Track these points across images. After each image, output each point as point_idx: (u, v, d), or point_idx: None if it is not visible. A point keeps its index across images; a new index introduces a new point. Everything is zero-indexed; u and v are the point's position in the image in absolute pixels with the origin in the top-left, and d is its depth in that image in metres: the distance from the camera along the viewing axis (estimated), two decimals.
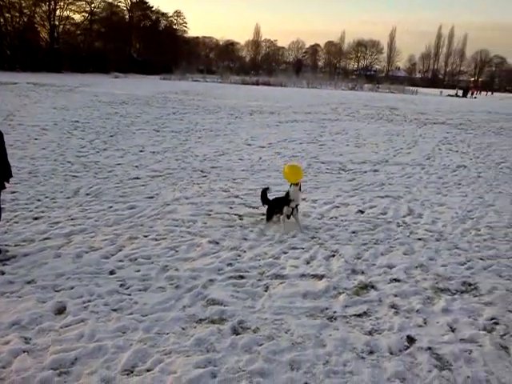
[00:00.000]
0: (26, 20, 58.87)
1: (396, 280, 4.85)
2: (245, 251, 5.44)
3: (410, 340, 3.77)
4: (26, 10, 58.76)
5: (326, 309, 4.21)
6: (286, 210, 6.21)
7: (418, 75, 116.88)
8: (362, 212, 7.17)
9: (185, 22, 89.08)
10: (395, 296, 4.49)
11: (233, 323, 3.90)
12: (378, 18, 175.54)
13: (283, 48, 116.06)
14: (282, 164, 10.51)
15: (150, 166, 9.57)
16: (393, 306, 4.29)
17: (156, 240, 5.63)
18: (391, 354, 3.59)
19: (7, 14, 56.49)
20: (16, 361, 3.27)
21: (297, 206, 6.24)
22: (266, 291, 4.49)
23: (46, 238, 5.48)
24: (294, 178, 6.21)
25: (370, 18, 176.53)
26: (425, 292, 4.60)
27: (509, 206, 7.89)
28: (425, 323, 4.03)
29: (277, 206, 6.34)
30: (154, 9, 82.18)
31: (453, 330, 3.93)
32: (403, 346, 3.69)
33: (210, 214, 6.70)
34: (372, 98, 41.89)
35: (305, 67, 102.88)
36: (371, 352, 3.60)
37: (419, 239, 6.08)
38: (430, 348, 3.67)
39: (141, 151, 11.16)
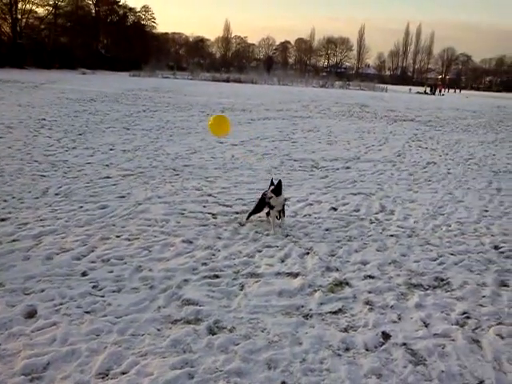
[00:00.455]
0: None
1: (370, 276, 4.90)
2: (219, 250, 5.40)
3: (385, 336, 3.82)
4: None
5: (302, 306, 4.22)
6: (271, 213, 6.09)
7: (388, 72, 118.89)
8: (335, 209, 7.23)
9: (153, 18, 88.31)
10: (369, 292, 4.53)
11: (208, 323, 3.86)
12: (347, 15, 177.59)
13: (253, 45, 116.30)
14: (254, 162, 10.52)
15: (120, 165, 9.41)
16: (367, 303, 4.34)
17: (129, 240, 5.53)
18: (367, 350, 3.63)
19: None
20: None
21: (281, 210, 6.12)
22: (241, 290, 4.47)
23: (13, 240, 5.31)
24: (219, 129, 5.74)
25: (339, 15, 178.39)
26: (398, 288, 4.67)
27: (477, 201, 8.10)
28: (399, 319, 4.09)
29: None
30: (120, 3, 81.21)
31: (426, 326, 3.99)
32: (378, 342, 3.73)
33: (183, 213, 6.64)
34: (343, 95, 42.37)
35: (275, 64, 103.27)
36: (347, 349, 3.63)
37: (392, 236, 6.16)
38: (404, 344, 3.72)
39: (111, 149, 10.96)
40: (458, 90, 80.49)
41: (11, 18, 59.26)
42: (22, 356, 3.31)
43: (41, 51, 58.84)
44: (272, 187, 5.92)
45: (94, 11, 77.82)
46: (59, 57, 61.12)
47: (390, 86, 68.85)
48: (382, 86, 67.40)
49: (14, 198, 6.90)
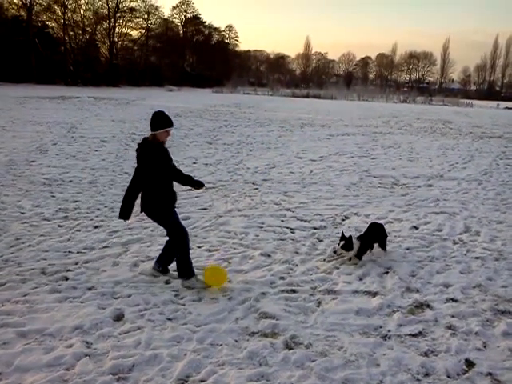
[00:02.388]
0: (88, 37, 61.99)
1: (453, 300, 4.70)
2: (297, 265, 5.44)
3: (469, 364, 3.64)
4: (88, 28, 62.09)
5: (380, 327, 4.14)
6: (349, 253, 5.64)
7: (473, 87, 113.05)
8: (416, 228, 7.01)
9: (236, 36, 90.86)
10: (452, 317, 4.35)
11: (285, 338, 3.90)
12: (430, 29, 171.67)
13: (333, 61, 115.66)
14: (333, 177, 10.46)
15: (203, 178, 9.70)
16: (450, 327, 4.16)
17: (209, 251, 5.74)
18: (448, 377, 3.48)
19: (71, 32, 59.86)
20: (78, 364, 3.42)
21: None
22: (318, 306, 4.47)
23: (105, 247, 5.72)
24: (216, 281, 4.87)
25: (423, 29, 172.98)
26: (484, 313, 4.43)
27: None
28: (484, 347, 3.88)
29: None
30: (206, 24, 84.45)
31: None
32: (461, 370, 3.56)
33: (261, 227, 6.76)
34: (425, 110, 40.92)
35: (355, 80, 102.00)
36: (427, 374, 3.51)
37: (477, 258, 5.86)
38: (490, 373, 3.52)
39: (194, 163, 11.43)
40: None
41: (109, 41, 64.06)
42: (110, 356, 3.54)
43: (133, 70, 62.82)
44: (342, 243, 5.51)
45: (181, 32, 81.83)
46: (149, 75, 64.86)
47: (475, 101, 65.45)
48: (466, 101, 64.26)
49: (106, 207, 7.41)
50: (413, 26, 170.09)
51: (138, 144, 4.67)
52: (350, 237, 5.54)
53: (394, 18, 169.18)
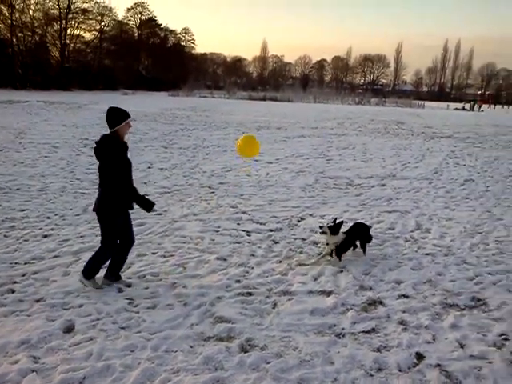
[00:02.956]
0: (37, 39, 59.90)
1: (404, 296, 4.83)
2: (253, 268, 5.45)
3: (419, 357, 3.75)
4: (38, 30, 59.84)
5: (334, 325, 4.20)
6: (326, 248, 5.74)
7: (425, 89, 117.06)
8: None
9: (193, 39, 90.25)
10: (404, 312, 4.46)
11: (241, 341, 3.89)
12: (384, 32, 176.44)
13: (290, 63, 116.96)
14: (289, 179, 10.56)
15: (158, 183, 9.65)
16: (401, 323, 4.27)
17: (164, 257, 5.66)
18: (400, 371, 3.57)
19: (20, 34, 57.59)
20: (24, 381, 3.29)
21: (334, 251, 5.66)
22: (274, 308, 4.49)
23: (55, 256, 5.54)
24: (249, 151, 5.29)
25: (377, 33, 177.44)
26: (433, 308, 4.57)
27: None
28: (434, 339, 4.00)
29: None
30: (162, 26, 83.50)
31: (462, 347, 3.89)
32: (412, 363, 3.66)
33: (217, 231, 6.73)
34: (379, 112, 41.97)
35: (311, 82, 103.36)
36: (380, 369, 3.58)
37: (427, 254, 6.05)
38: (439, 365, 3.64)
39: (149, 168, 11.26)
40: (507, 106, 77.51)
41: (60, 43, 62.07)
42: (59, 370, 3.42)
43: (86, 74, 61.15)
44: (331, 224, 5.63)
45: (136, 34, 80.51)
46: (103, 78, 63.40)
47: (427, 103, 67.69)
48: (418, 102, 66.38)
49: (56, 215, 7.18)
50: (367, 30, 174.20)
51: (97, 142, 4.50)
52: (341, 222, 5.68)
53: (349, 21, 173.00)
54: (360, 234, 5.94)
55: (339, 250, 5.64)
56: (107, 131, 4.50)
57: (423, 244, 6.45)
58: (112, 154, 4.42)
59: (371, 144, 17.63)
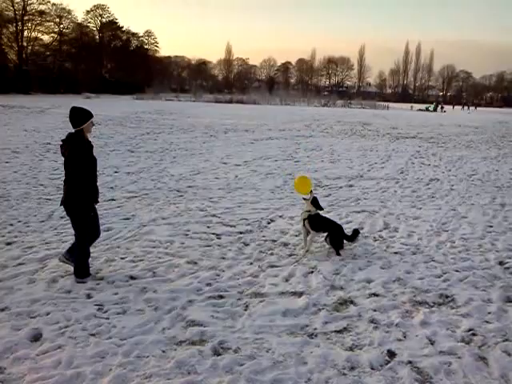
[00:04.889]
0: None
1: (375, 294, 4.89)
2: (223, 270, 5.42)
3: (391, 354, 3.80)
4: None
5: (307, 326, 4.21)
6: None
7: (389, 90, 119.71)
8: None
9: (156, 42, 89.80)
10: (374, 311, 4.52)
11: (213, 344, 3.86)
12: (346, 35, 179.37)
13: (255, 66, 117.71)
14: (258, 181, 10.57)
15: (125, 187, 9.49)
16: (372, 321, 4.32)
17: (133, 262, 5.56)
18: (372, 369, 3.61)
19: None
20: None
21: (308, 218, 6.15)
22: (245, 310, 4.47)
23: (19, 264, 5.36)
24: (303, 189, 6.28)
25: (339, 36, 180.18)
26: (403, 306, 4.65)
27: (481, 217, 8.08)
28: (404, 337, 4.07)
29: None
30: (124, 29, 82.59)
31: (432, 343, 3.97)
32: (384, 361, 3.71)
33: (187, 234, 6.67)
34: (344, 113, 42.65)
35: (277, 85, 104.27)
36: (352, 368, 3.61)
37: (396, 253, 6.16)
38: (410, 362, 3.69)
39: (115, 172, 11.07)
40: (472, 107, 79.65)
41: (17, 45, 60.41)
42: (27, 380, 3.31)
43: (46, 77, 59.80)
44: (315, 198, 6.26)
45: (97, 37, 79.23)
46: (64, 82, 62.12)
47: (391, 104, 69.35)
48: (383, 103, 67.86)
49: (19, 221, 6.96)
50: (330, 33, 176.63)
51: (63, 140, 4.76)
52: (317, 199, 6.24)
53: (311, 23, 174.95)
54: (330, 229, 6.15)
55: (310, 222, 6.10)
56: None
57: (391, 243, 6.56)
58: (77, 152, 4.68)
59: (338, 145, 17.87)
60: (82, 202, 4.78)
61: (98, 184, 5.00)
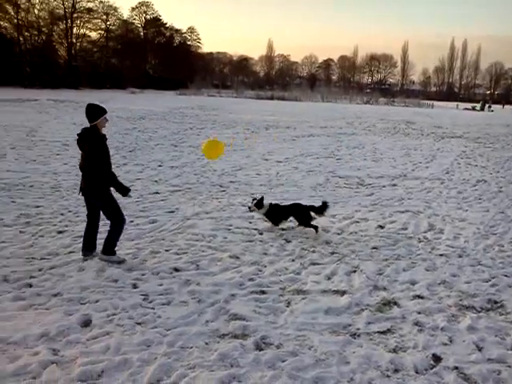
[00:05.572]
0: (44, 38, 60.25)
1: (419, 297, 4.80)
2: (265, 266, 5.45)
3: (436, 358, 3.72)
4: (44, 29, 60.28)
5: (349, 325, 4.19)
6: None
7: (433, 88, 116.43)
8: (382, 227, 7.14)
9: (198, 38, 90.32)
10: (419, 313, 4.44)
11: (255, 339, 3.89)
12: (390, 31, 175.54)
13: (296, 63, 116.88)
14: (299, 178, 10.55)
15: (169, 181, 9.67)
16: (417, 324, 4.25)
17: (177, 254, 5.67)
18: (417, 372, 3.55)
19: (26, 33, 58.01)
20: (45, 372, 3.32)
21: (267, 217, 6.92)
22: (287, 307, 4.49)
23: (70, 252, 5.57)
24: (213, 153, 6.42)
25: (383, 32, 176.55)
26: (449, 309, 4.55)
27: None
28: (450, 341, 3.98)
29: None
30: (167, 25, 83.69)
31: (480, 349, 3.86)
32: (429, 365, 3.64)
33: (229, 229, 6.74)
34: (388, 111, 41.86)
35: (319, 82, 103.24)
36: (396, 370, 3.57)
37: (441, 255, 6.02)
38: (456, 367, 3.61)
39: (160, 166, 11.29)
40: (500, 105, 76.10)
41: (67, 42, 62.50)
42: (78, 363, 3.45)
43: (93, 72, 61.56)
44: (255, 201, 6.87)
45: (142, 34, 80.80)
46: (110, 77, 63.73)
47: (436, 103, 67.40)
48: (427, 102, 66.10)
49: (70, 211, 7.22)
50: (373, 29, 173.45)
51: (79, 134, 5.15)
52: (262, 198, 6.87)
53: (354, 20, 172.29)
54: (294, 212, 6.76)
55: (270, 219, 6.80)
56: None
57: (437, 245, 6.42)
58: (93, 144, 5.05)
59: (381, 144, 17.58)
60: (102, 187, 5.19)
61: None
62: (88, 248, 5.43)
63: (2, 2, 55.40)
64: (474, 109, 60.07)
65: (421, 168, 12.67)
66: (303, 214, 6.69)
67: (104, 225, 5.58)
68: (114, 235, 5.33)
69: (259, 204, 6.80)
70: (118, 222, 5.31)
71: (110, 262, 5.25)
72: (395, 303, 4.64)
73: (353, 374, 3.50)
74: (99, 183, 5.16)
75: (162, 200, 8.16)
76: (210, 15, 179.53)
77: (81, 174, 5.28)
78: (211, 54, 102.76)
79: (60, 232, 6.27)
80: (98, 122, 5.13)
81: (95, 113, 5.14)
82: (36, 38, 59.52)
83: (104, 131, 5.28)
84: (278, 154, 13.91)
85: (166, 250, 5.78)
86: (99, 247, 5.44)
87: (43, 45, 59.43)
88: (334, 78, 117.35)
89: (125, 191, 5.31)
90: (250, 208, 6.87)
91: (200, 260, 5.52)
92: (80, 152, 5.25)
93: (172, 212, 7.44)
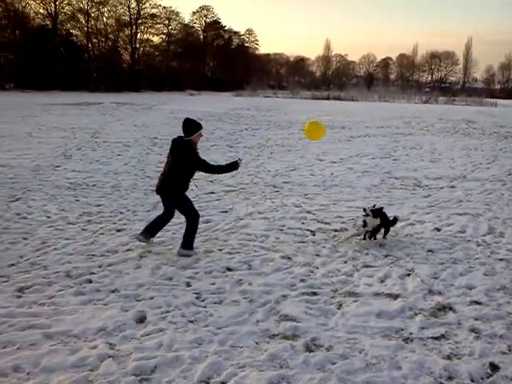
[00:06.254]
0: (110, 44, 62.91)
1: (476, 302, 4.63)
2: (317, 267, 5.44)
3: (494, 367, 3.58)
4: (110, 35, 62.96)
5: (402, 330, 4.10)
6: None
7: (498, 86, 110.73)
8: (438, 230, 6.93)
9: (256, 40, 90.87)
10: (476, 319, 4.29)
11: (306, 340, 3.90)
12: (451, 28, 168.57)
13: (354, 62, 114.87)
14: (354, 179, 10.42)
15: (224, 181, 9.84)
16: (473, 330, 4.10)
17: (230, 254, 5.78)
18: (472, 381, 3.43)
19: (94, 40, 60.89)
20: (102, 365, 3.49)
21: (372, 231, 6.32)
22: (339, 309, 4.46)
23: (128, 250, 5.81)
24: (315, 134, 6.53)
25: (444, 29, 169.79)
26: (509, 316, 4.35)
27: None
28: (509, 350, 3.81)
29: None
30: (226, 28, 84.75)
31: None
32: (485, 374, 3.51)
33: (282, 229, 6.78)
34: (447, 110, 40.32)
35: (376, 81, 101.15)
36: (450, 378, 3.46)
37: (501, 260, 5.77)
38: None
39: None
40: None
41: (131, 47, 64.97)
42: (133, 357, 3.60)
43: (154, 76, 63.57)
44: (373, 208, 6.27)
45: (202, 37, 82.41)
46: (170, 80, 65.52)
47: (500, 101, 63.99)
48: (490, 100, 62.91)
49: (128, 210, 7.53)
50: (434, 26, 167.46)
51: (174, 141, 5.58)
52: (382, 208, 6.33)
53: (414, 18, 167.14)
54: (386, 222, 6.38)
55: (374, 232, 6.30)
56: (175, 131, 5.03)
57: (496, 249, 6.15)
58: (188, 158, 5.46)
59: (439, 144, 16.99)
60: (181, 191, 5.60)
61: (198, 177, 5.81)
62: (149, 231, 5.84)
63: (75, 12, 58.50)
64: None
65: (481, 169, 12.14)
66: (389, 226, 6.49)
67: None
68: (190, 231, 5.66)
69: (376, 213, 6.19)
70: (192, 218, 5.67)
71: (188, 257, 5.57)
72: (450, 308, 4.50)
73: (404, 379, 3.43)
74: (179, 188, 5.57)
75: (217, 200, 8.33)
76: (269, 17, 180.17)
77: (161, 176, 5.73)
78: (268, 55, 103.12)
79: (119, 230, 6.56)
80: (193, 137, 5.53)
81: (192, 128, 5.52)
82: (103, 44, 62.28)
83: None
84: (333, 155, 13.79)
85: (219, 250, 5.90)
86: (156, 240, 5.84)
87: (109, 51, 62.03)
88: (392, 77, 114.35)
89: (234, 167, 5.75)
90: (365, 211, 6.24)
91: (252, 260, 5.59)
92: (168, 157, 5.66)
93: (226, 212, 7.58)
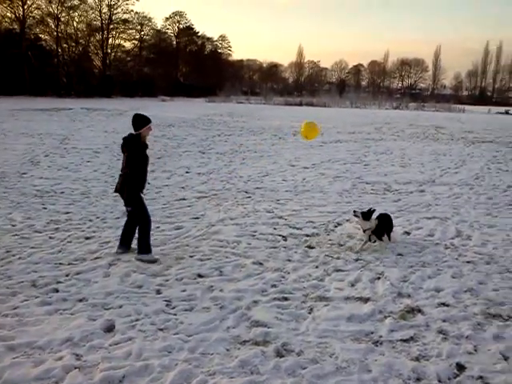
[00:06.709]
0: (81, 49, 62.03)
1: (444, 304, 4.71)
2: (289, 272, 5.44)
3: (460, 367, 3.64)
4: (81, 40, 62.12)
5: (372, 333, 4.14)
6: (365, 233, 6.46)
7: (465, 93, 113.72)
8: (408, 233, 7.04)
9: (229, 46, 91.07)
10: (443, 321, 4.36)
11: (277, 345, 3.89)
12: (421, 36, 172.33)
13: (326, 69, 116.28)
14: (326, 184, 10.50)
15: (195, 188, 9.78)
16: (441, 332, 4.17)
17: (201, 260, 5.73)
18: (439, 381, 3.48)
19: (64, 45, 59.95)
20: (68, 377, 3.40)
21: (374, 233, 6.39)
22: (310, 313, 4.47)
23: (96, 258, 5.70)
24: (310, 134, 6.60)
25: (414, 37, 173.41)
26: (475, 317, 4.44)
27: None
28: (475, 350, 3.88)
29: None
30: (199, 34, 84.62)
31: (506, 359, 3.76)
32: (452, 374, 3.56)
33: (254, 235, 6.76)
34: (417, 116, 41.19)
35: (348, 87, 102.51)
36: (418, 379, 3.51)
37: (468, 262, 5.89)
38: (481, 377, 3.52)
39: (187, 172, 11.44)
40: None
41: (102, 52, 64.21)
42: (100, 368, 3.52)
43: (126, 81, 62.91)
44: (364, 210, 6.40)
45: (175, 42, 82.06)
46: (142, 86, 64.95)
47: (467, 107, 65.74)
48: (458, 106, 64.58)
49: (98, 217, 7.40)
50: (404, 34, 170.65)
51: (124, 138, 5.66)
52: (373, 210, 6.34)
53: (385, 25, 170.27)
54: (387, 225, 6.51)
55: (377, 234, 6.32)
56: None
57: (464, 251, 6.28)
58: (133, 151, 5.54)
59: (409, 149, 17.32)
60: (134, 190, 5.60)
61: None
62: (125, 243, 5.84)
63: (44, 16, 57.41)
64: (507, 113, 58.51)
65: (450, 173, 12.42)
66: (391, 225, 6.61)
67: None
68: (143, 235, 5.66)
69: (367, 215, 6.30)
70: (144, 224, 5.69)
71: (143, 261, 5.52)
72: (419, 311, 4.56)
73: (374, 382, 3.46)
74: (131, 188, 5.57)
75: (189, 206, 8.26)
76: (242, 23, 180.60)
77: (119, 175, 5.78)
78: (241, 61, 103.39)
79: (87, 238, 6.43)
80: (142, 131, 5.61)
81: (140, 122, 5.62)
82: (73, 49, 61.31)
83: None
84: (305, 160, 13.88)
85: (191, 256, 5.85)
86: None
87: (80, 56, 61.12)
88: (364, 83, 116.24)
89: (127, 203, 5.70)
90: (354, 212, 6.44)
91: (224, 266, 5.56)
92: (123, 156, 5.74)
93: (197, 218, 7.52)
